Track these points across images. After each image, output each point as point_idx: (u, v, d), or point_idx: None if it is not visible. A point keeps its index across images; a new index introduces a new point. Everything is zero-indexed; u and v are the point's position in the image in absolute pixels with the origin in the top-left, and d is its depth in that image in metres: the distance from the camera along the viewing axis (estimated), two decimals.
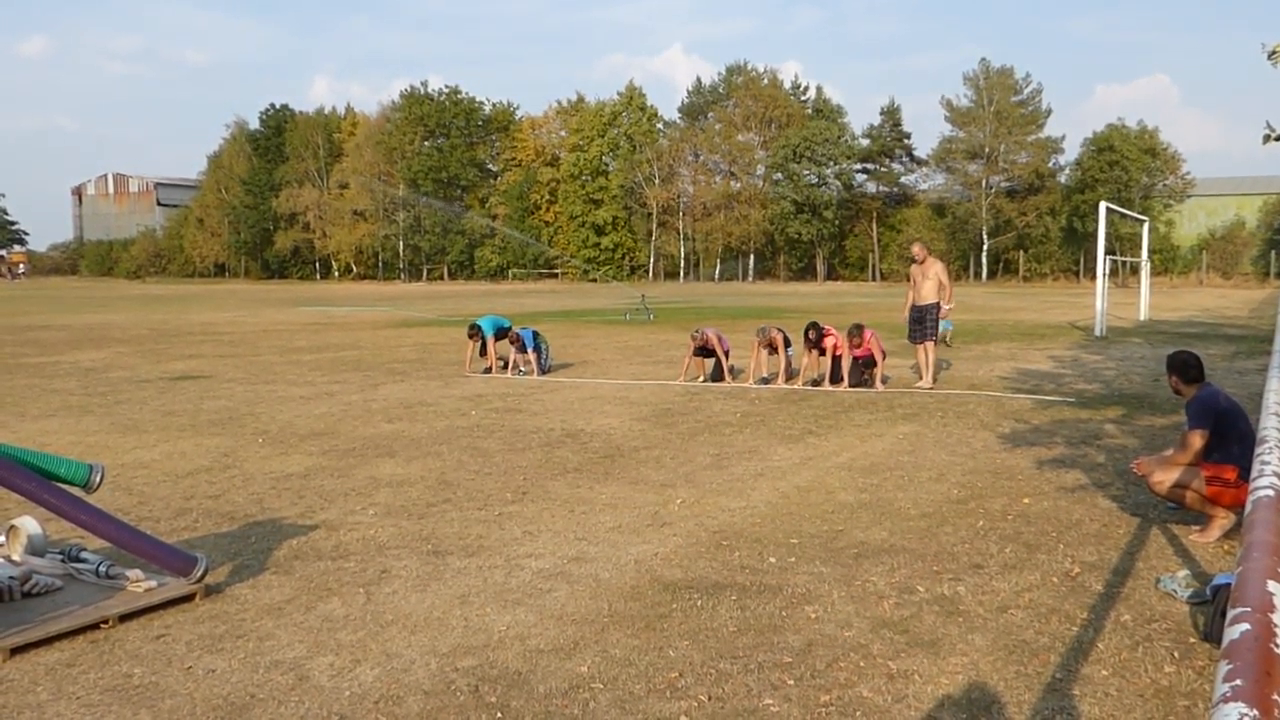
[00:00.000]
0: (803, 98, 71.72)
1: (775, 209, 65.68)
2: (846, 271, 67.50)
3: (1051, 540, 5.81)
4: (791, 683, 3.91)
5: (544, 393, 12.47)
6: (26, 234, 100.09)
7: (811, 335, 12.77)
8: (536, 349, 14.49)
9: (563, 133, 75.86)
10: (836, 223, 65.75)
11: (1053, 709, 3.68)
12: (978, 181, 61.94)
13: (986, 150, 61.31)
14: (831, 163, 65.40)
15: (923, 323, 12.64)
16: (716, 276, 69.73)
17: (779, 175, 66.37)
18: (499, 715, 3.67)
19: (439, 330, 23.92)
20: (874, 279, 64.61)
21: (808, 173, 65.10)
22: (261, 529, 6.27)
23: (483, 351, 14.86)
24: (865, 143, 68.43)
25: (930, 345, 12.61)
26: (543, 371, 14.53)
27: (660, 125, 73.91)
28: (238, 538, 6.09)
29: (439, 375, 14.47)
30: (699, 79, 76.91)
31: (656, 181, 69.33)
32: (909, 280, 13.21)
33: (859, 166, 68.54)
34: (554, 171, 72.93)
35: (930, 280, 12.70)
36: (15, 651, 4.26)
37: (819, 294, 46.61)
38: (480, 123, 78.19)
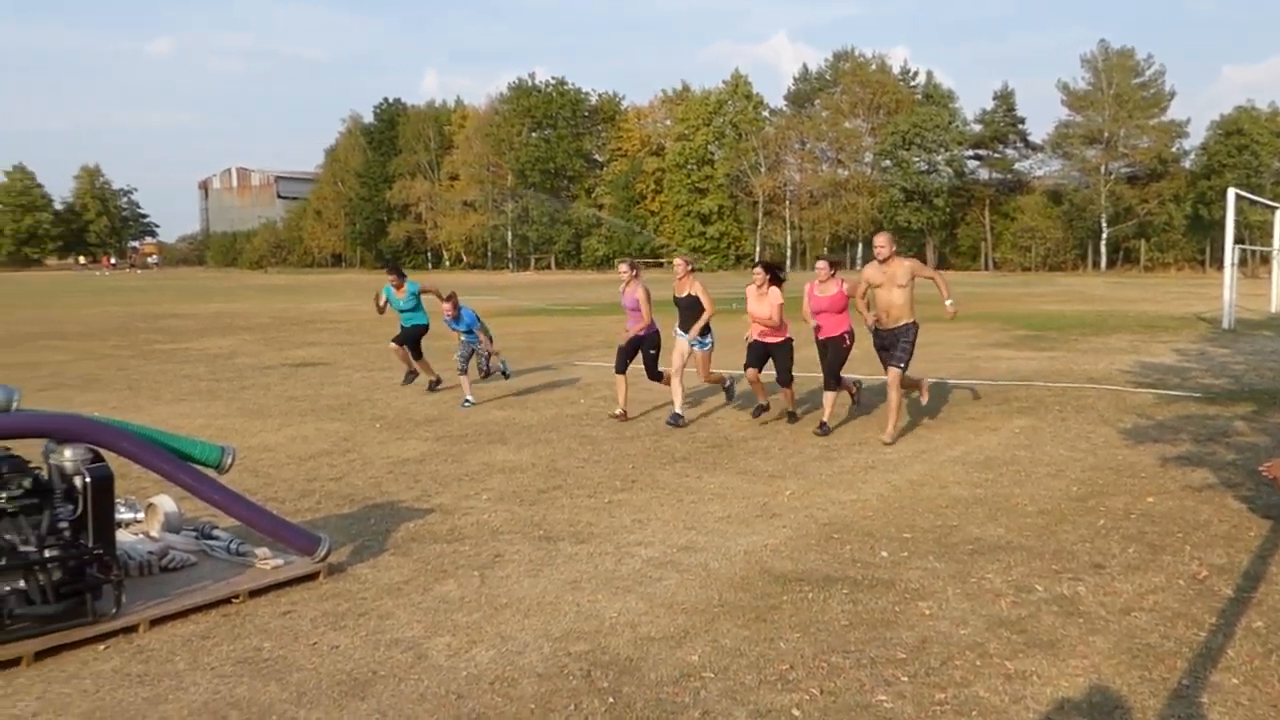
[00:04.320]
0: (912, 83, 70.25)
1: (884, 197, 64.55)
2: (958, 260, 65.96)
3: (1177, 541, 5.60)
4: (905, 679, 3.86)
5: (647, 381, 12.49)
6: (157, 226, 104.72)
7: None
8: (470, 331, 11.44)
9: (668, 122, 75.81)
10: (947, 210, 64.30)
11: (1180, 716, 3.56)
12: (1096, 167, 59.82)
13: (1105, 135, 59.17)
14: (942, 149, 63.96)
15: (891, 349, 8.57)
16: None
17: (887, 162, 65.18)
18: (611, 701, 3.71)
19: (546, 319, 24.21)
20: (987, 268, 63.02)
21: (917, 159, 63.78)
22: (380, 511, 6.45)
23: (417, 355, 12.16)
24: (977, 128, 66.72)
25: (898, 374, 8.52)
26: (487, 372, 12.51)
27: (766, 113, 73.28)
28: (357, 519, 6.29)
29: (548, 363, 14.65)
30: (805, 66, 75.91)
31: (762, 170, 68.82)
32: (863, 288, 8.94)
33: (970, 153, 66.85)
34: (659, 161, 72.94)
35: (899, 288, 8.44)
36: (155, 623, 4.49)
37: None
38: (586, 113, 78.69)
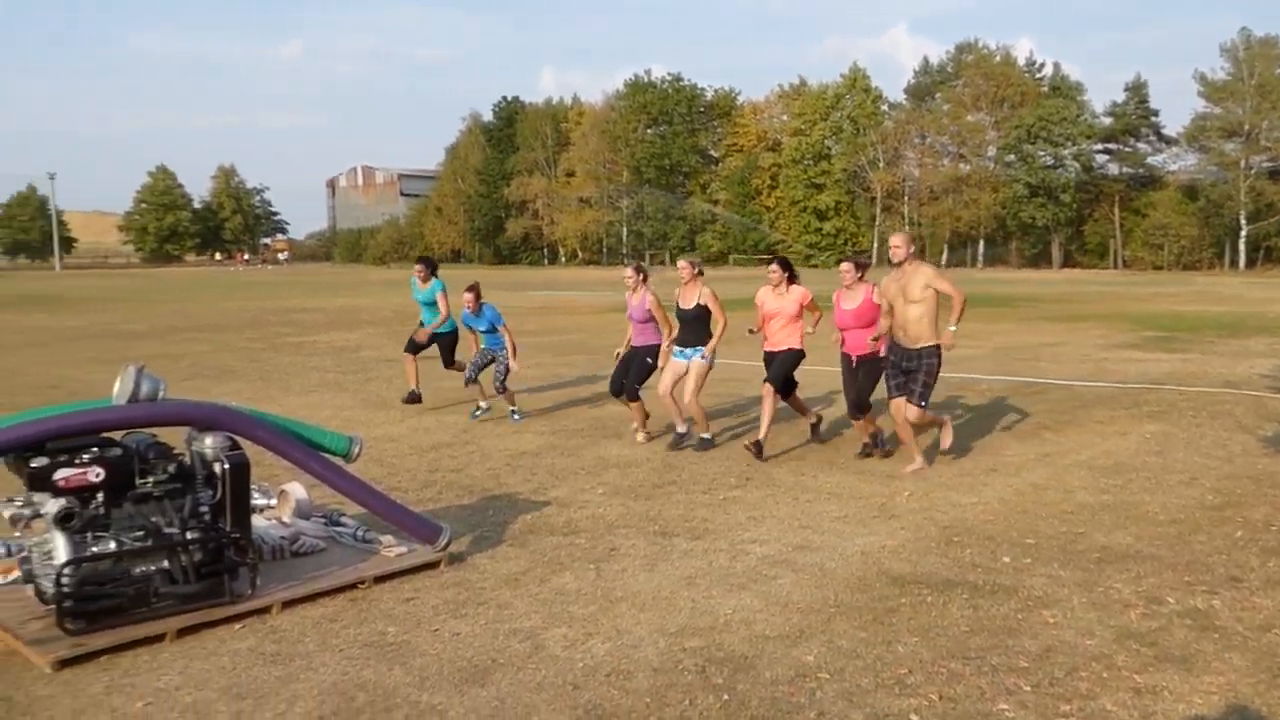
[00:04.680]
0: (1037, 75, 68.05)
1: (1007, 192, 62.72)
2: (1085, 258, 63.66)
3: None
4: (1028, 689, 3.77)
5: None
6: (287, 224, 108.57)
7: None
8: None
9: (784, 117, 75.17)
10: (1074, 206, 62.11)
11: None
12: (1235, 162, 56.97)
13: (1246, 127, 56.28)
14: (1069, 143, 61.78)
15: (909, 376, 7.21)
16: (943, 262, 67.35)
17: (1011, 157, 63.32)
18: (725, 698, 3.72)
19: None
20: (1116, 266, 60.70)
21: (1043, 154, 61.79)
22: (498, 503, 6.59)
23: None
24: (1107, 121, 64.29)
25: (916, 411, 7.17)
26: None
27: (884, 107, 72.00)
28: (477, 510, 6.43)
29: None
30: (925, 58, 74.36)
31: (881, 165, 67.65)
32: (885, 303, 7.46)
33: (1099, 147, 64.42)
34: (775, 156, 72.42)
35: (913, 303, 7.11)
36: (287, 605, 4.67)
37: (1055, 281, 44.22)
38: (702, 109, 78.56)
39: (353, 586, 4.95)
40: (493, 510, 6.40)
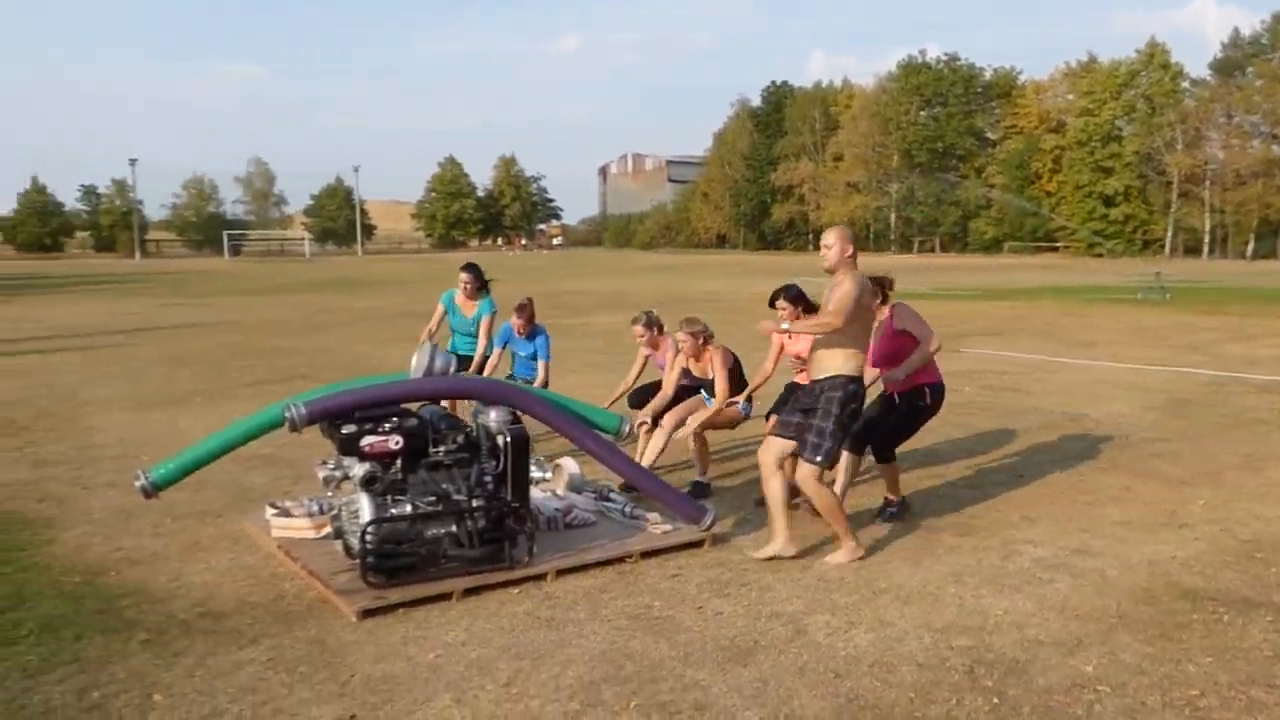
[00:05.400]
0: None
1: None
2: None
3: None
4: None
5: (1043, 373, 11.84)
6: (562, 210, 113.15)
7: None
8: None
9: (1070, 96, 70.65)
10: None
11: None
12: None
13: None
14: None
15: (810, 414, 5.10)
16: (1249, 254, 61.21)
17: None
18: (995, 701, 3.59)
19: (930, 304, 23.50)
20: None
21: None
22: (757, 486, 6.61)
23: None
24: None
25: (801, 465, 5.15)
26: None
27: (1186, 84, 66.18)
28: (740, 493, 6.50)
29: None
30: (1235, 30, 67.35)
31: (1179, 147, 62.34)
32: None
33: None
34: (1059, 138, 68.26)
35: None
36: (560, 573, 4.92)
37: None
38: (979, 89, 75.21)
39: (621, 560, 5.14)
40: (756, 492, 6.43)
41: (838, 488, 5.85)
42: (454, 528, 4.82)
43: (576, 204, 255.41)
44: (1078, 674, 3.80)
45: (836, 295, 4.98)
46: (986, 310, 21.11)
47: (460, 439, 4.99)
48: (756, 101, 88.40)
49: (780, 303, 6.10)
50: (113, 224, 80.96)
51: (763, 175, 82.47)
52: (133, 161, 77.96)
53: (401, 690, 3.72)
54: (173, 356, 14.36)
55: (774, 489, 5.16)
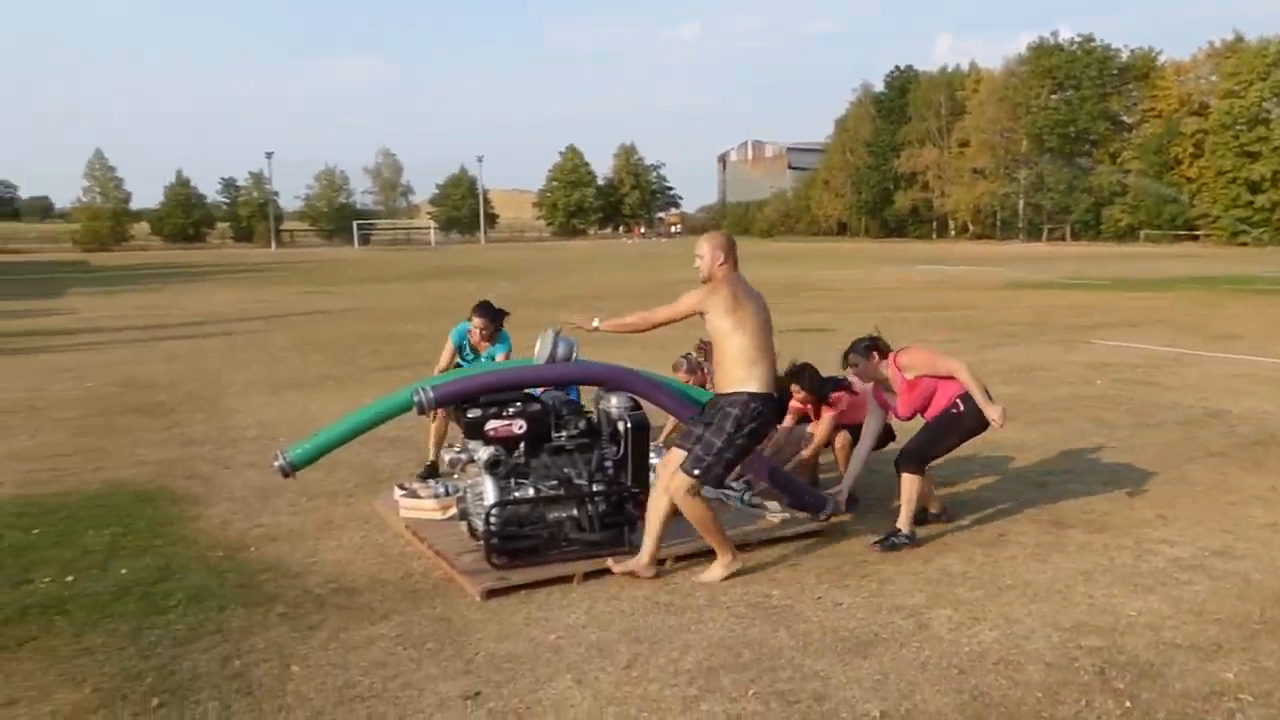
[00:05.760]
0: None
1: None
2: None
3: None
4: None
5: (1181, 366, 11.34)
6: (680, 198, 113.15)
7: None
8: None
9: (1213, 78, 67.19)
10: None
11: None
12: None
13: None
14: None
15: (709, 424, 4.72)
16: None
17: None
18: (1128, 704, 3.48)
19: (1058, 294, 22.78)
20: None
21: None
22: (877, 477, 6.53)
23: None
24: None
25: (680, 483, 4.65)
26: None
27: None
28: (856, 484, 6.42)
29: (1058, 340, 13.82)
30: None
31: None
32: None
33: None
34: (1200, 121, 65.03)
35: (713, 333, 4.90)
36: (679, 559, 4.95)
37: None
38: (1115, 71, 72.15)
39: (739, 548, 5.13)
40: (877, 486, 6.35)
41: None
42: (575, 511, 4.90)
43: (695, 192, 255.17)
44: (1217, 680, 3.65)
45: (680, 298, 4.85)
46: (1119, 301, 20.32)
47: (582, 424, 5.06)
48: (880, 87, 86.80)
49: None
50: (250, 215, 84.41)
51: (885, 162, 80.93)
52: (269, 155, 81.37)
53: (524, 669, 3.81)
54: (305, 342, 14.92)
55: (659, 504, 4.72)
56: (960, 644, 3.99)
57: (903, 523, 5.22)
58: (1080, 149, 71.87)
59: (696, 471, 4.60)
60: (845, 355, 5.68)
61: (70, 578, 4.88)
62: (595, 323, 4.93)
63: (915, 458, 5.31)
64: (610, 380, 5.30)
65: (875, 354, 5.54)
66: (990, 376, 10.42)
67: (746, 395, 4.62)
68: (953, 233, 79.06)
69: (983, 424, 5.28)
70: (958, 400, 5.32)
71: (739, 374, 4.67)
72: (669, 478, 4.67)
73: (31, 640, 4.15)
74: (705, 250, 4.92)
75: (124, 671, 3.84)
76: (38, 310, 21.69)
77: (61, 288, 29.87)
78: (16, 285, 31.34)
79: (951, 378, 5.35)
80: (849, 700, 3.52)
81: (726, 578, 4.70)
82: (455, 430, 6.05)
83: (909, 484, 5.25)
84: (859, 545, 5.22)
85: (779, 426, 5.89)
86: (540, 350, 5.24)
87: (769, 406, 4.69)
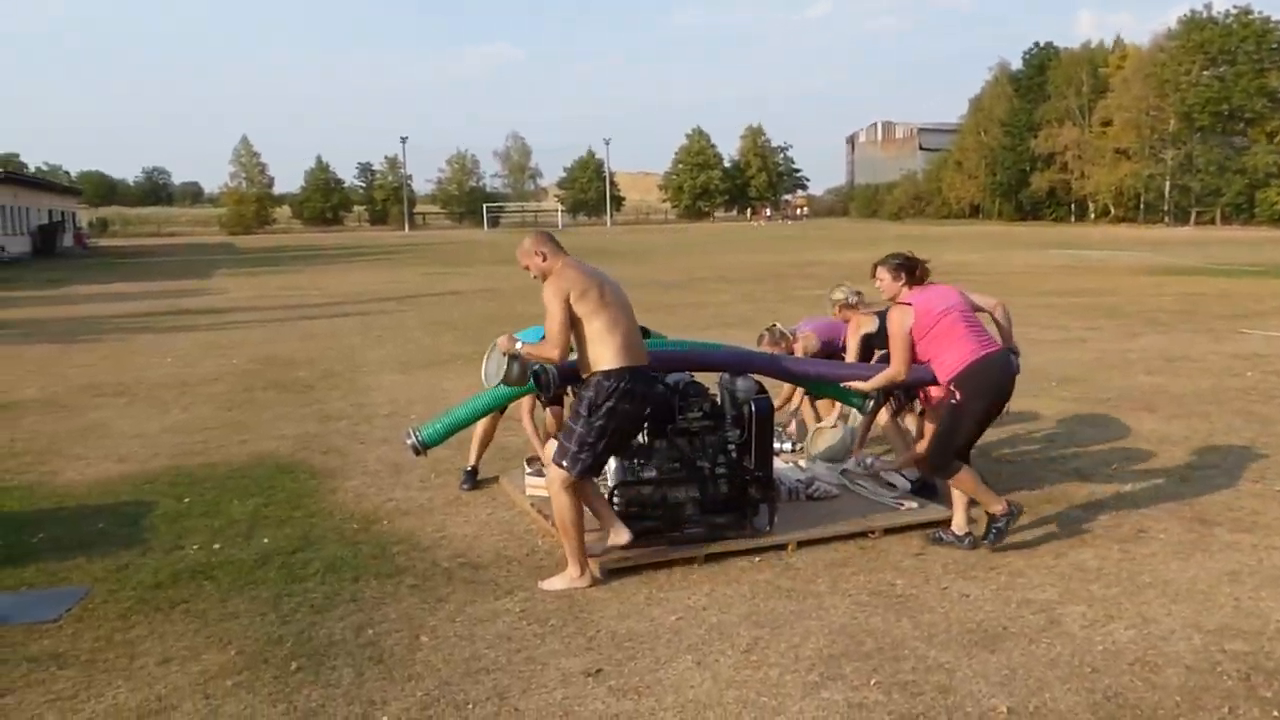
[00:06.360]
0: None
1: None
2: None
3: None
4: None
5: None
6: (807, 180, 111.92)
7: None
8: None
9: None
10: None
11: None
12: None
13: None
14: None
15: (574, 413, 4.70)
16: None
17: None
18: (1275, 714, 3.30)
19: (1208, 280, 21.67)
20: None
21: None
22: (1012, 468, 6.37)
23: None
24: None
25: (550, 469, 4.77)
26: None
27: None
28: (985, 472, 6.25)
29: (1207, 329, 13.16)
30: None
31: None
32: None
33: None
34: None
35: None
36: (801, 544, 4.92)
37: None
38: (1275, 45, 68.03)
39: (862, 535, 5.08)
40: (1006, 474, 6.19)
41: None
42: (697, 494, 4.91)
43: (823, 173, 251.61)
44: None
45: (561, 281, 4.46)
46: (1274, 289, 19.22)
47: (706, 406, 5.06)
48: (1017, 65, 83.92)
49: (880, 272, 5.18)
50: (385, 198, 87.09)
51: (1021, 142, 78.21)
52: (403, 139, 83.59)
53: (644, 649, 3.84)
54: (437, 321, 15.33)
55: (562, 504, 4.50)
56: (1094, 642, 3.85)
57: (958, 525, 4.99)
58: (1234, 128, 68.06)
59: (564, 462, 4.44)
60: (874, 266, 5.18)
61: (217, 545, 5.14)
62: (518, 345, 4.65)
63: (939, 460, 4.90)
64: (737, 364, 5.30)
65: (904, 274, 4.99)
66: (1132, 366, 10.05)
67: (599, 375, 4.42)
68: (1092, 216, 75.97)
69: (998, 401, 4.83)
70: (952, 388, 4.82)
71: (592, 356, 4.45)
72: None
73: (183, 603, 4.40)
74: (526, 259, 4.63)
75: (265, 636, 4.03)
76: (190, 290, 22.85)
77: (210, 269, 31.38)
78: (171, 267, 33.08)
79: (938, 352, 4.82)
80: (974, 694, 3.45)
81: (568, 588, 4.44)
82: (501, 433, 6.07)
83: (956, 484, 4.88)
84: None
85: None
86: (491, 369, 4.88)
87: (624, 380, 4.40)
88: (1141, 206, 72.59)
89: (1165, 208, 70.54)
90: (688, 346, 5.43)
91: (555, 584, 4.51)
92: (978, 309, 5.04)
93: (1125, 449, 6.84)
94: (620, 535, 4.67)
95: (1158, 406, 8.16)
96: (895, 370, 4.94)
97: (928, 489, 5.65)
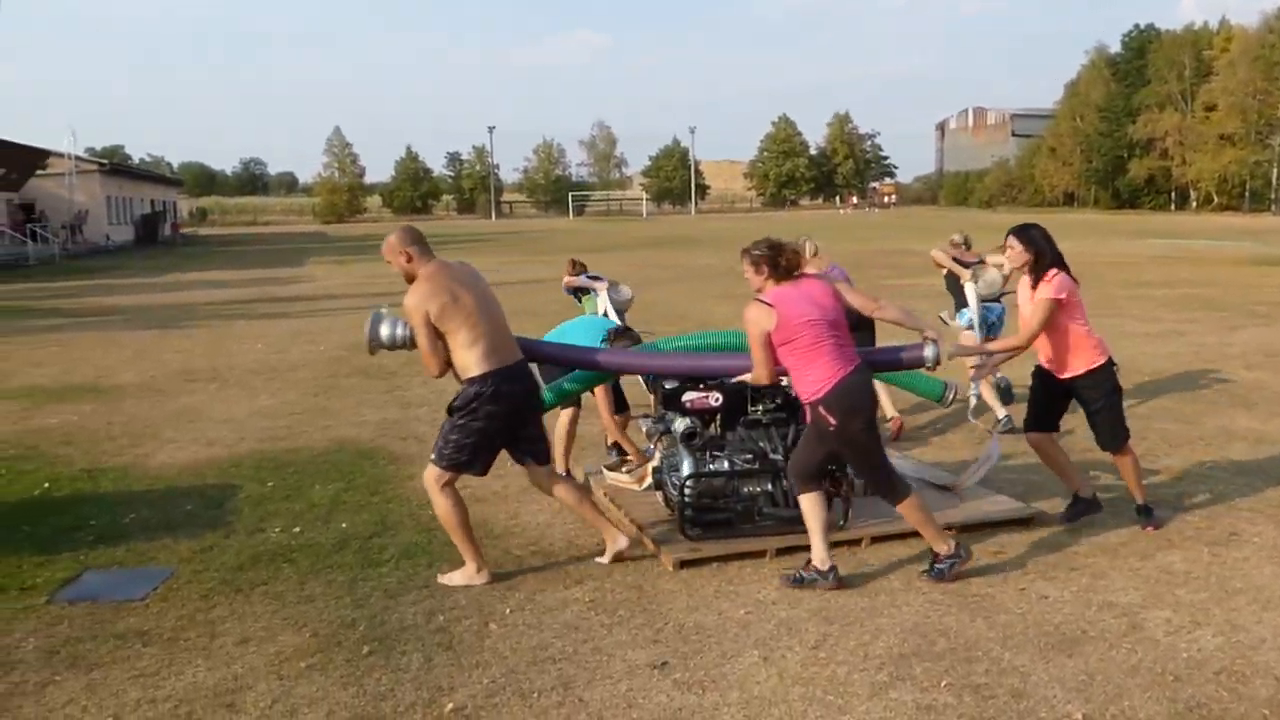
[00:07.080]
0: None
1: None
2: None
3: None
4: None
5: None
6: (895, 168, 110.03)
7: None
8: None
9: None
10: None
11: None
12: None
13: None
14: None
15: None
16: None
17: None
18: None
19: None
20: None
21: None
22: (1098, 466, 6.17)
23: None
24: None
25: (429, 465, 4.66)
26: None
27: None
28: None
29: None
30: None
31: None
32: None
33: None
34: None
35: None
36: (875, 540, 4.85)
37: None
38: None
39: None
40: (1092, 470, 6.00)
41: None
42: (769, 486, 4.87)
43: (911, 161, 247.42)
44: None
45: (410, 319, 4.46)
46: None
47: (779, 398, 5.01)
48: (1115, 48, 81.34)
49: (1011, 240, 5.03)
50: (473, 187, 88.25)
51: (1119, 128, 75.77)
52: (491, 129, 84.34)
53: (712, 642, 3.82)
54: (520, 309, 15.45)
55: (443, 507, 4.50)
56: (1178, 649, 3.71)
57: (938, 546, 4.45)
58: None
59: (434, 457, 4.47)
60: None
61: (297, 529, 5.27)
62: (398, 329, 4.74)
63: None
64: None
65: (767, 267, 4.38)
66: (1231, 361, 9.67)
67: (466, 382, 4.41)
68: (1194, 204, 73.36)
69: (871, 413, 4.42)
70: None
71: (459, 364, 4.44)
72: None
73: (262, 585, 4.51)
74: (391, 256, 4.61)
75: (340, 619, 4.11)
76: (284, 278, 23.46)
77: (303, 257, 32.16)
78: (266, 255, 33.98)
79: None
80: (1049, 700, 3.35)
81: (466, 584, 4.44)
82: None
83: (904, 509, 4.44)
84: (1069, 537, 4.95)
85: None
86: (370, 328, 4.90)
87: (488, 385, 4.36)
88: (1247, 195, 69.79)
89: (1272, 196, 67.77)
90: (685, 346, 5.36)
91: (455, 579, 4.50)
92: (854, 311, 4.48)
93: (1219, 447, 6.59)
94: (619, 541, 4.68)
95: (1255, 404, 7.84)
96: (755, 375, 4.43)
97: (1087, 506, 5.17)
